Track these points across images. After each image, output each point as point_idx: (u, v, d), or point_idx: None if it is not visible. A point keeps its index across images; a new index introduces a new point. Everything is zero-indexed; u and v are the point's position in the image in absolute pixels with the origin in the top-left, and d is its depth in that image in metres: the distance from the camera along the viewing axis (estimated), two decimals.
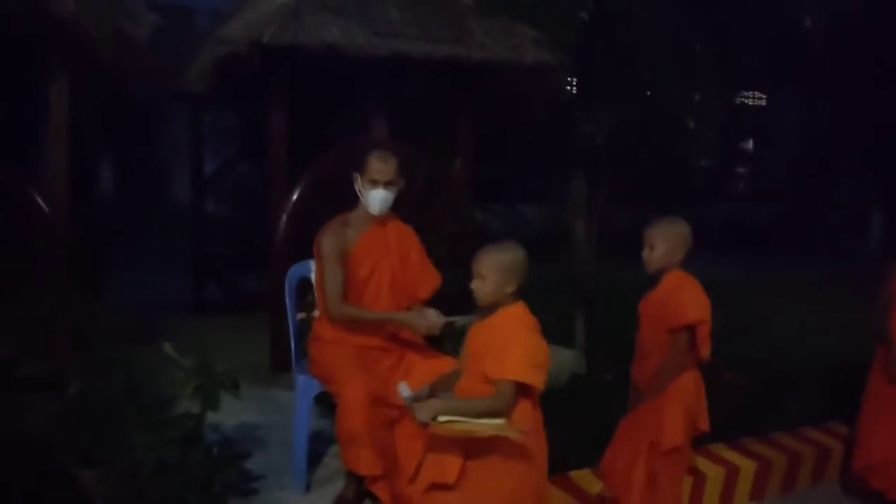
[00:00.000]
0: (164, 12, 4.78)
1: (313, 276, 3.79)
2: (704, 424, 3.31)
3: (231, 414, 3.84)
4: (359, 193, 3.54)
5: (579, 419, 4.13)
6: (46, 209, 4.51)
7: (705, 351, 3.19)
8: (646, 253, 3.26)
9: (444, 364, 3.42)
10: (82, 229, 5.02)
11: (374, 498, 3.36)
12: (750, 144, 15.37)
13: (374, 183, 3.46)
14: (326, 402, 3.81)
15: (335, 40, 4.67)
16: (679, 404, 3.17)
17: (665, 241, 3.21)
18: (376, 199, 3.48)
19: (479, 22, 5.23)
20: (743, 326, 6.09)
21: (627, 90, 5.49)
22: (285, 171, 5.19)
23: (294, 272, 3.93)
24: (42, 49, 4.23)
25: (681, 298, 3.16)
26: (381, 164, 3.45)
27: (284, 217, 5.03)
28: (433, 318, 3.37)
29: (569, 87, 5.58)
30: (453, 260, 5.36)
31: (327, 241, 3.47)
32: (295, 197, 5.03)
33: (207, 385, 3.20)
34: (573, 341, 5.50)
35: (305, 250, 4.09)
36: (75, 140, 4.73)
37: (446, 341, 3.97)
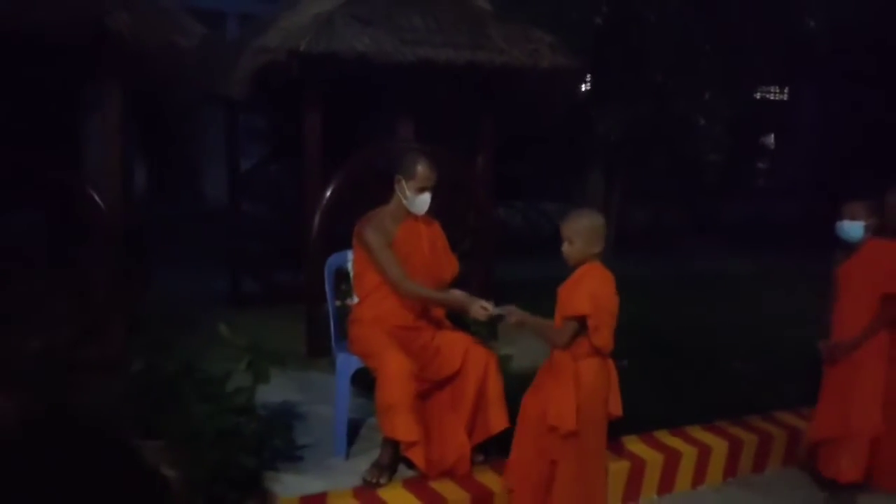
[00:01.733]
0: (198, 16, 5.13)
1: (350, 266, 4.17)
2: (616, 409, 3.43)
3: (274, 393, 4.22)
4: (401, 194, 3.88)
5: None
6: (102, 205, 4.90)
7: (598, 339, 3.25)
8: (564, 248, 3.34)
9: (468, 341, 3.81)
10: (133, 225, 5.40)
11: (407, 464, 3.73)
12: (769, 141, 15.52)
13: (422, 189, 3.82)
14: (360, 383, 4.16)
15: (365, 48, 5.01)
16: (573, 389, 3.25)
17: (579, 235, 3.29)
18: (424, 202, 3.86)
19: (498, 28, 5.55)
20: (759, 318, 6.32)
21: (640, 91, 5.80)
22: (319, 171, 5.54)
23: (333, 261, 4.29)
24: (98, 59, 4.61)
25: (578, 290, 3.26)
26: (429, 172, 3.82)
27: (319, 213, 5.40)
28: (485, 305, 3.64)
29: (584, 89, 5.87)
30: (476, 252, 5.72)
31: (374, 233, 3.83)
32: (328, 194, 5.39)
33: (259, 361, 3.57)
34: None
35: (338, 244, 4.46)
36: (127, 143, 5.11)
37: (472, 325, 4.30)
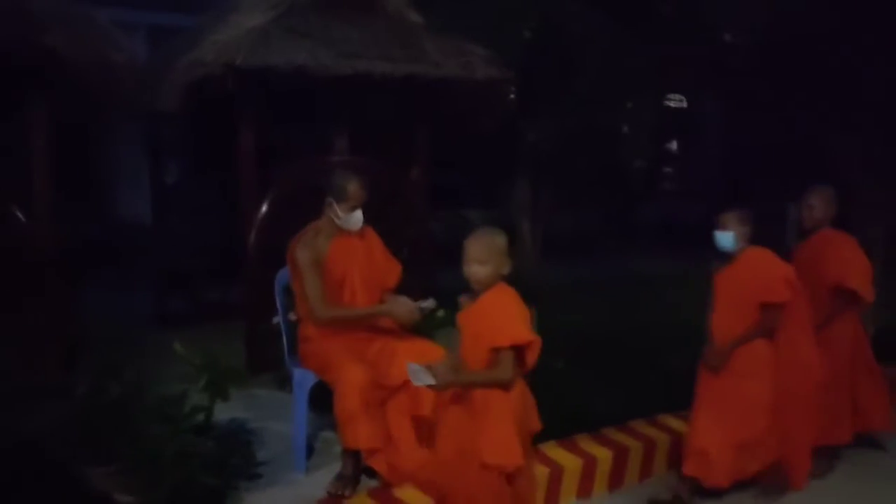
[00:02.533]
0: (126, 28, 5.03)
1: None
2: (536, 424, 3.37)
3: (220, 412, 4.16)
4: (333, 213, 3.89)
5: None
6: (30, 225, 4.73)
7: (531, 361, 3.18)
8: (474, 270, 3.15)
9: (423, 346, 3.88)
10: (63, 245, 5.23)
11: (369, 474, 3.75)
12: (679, 147, 16.20)
13: (354, 208, 3.85)
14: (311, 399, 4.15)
15: (303, 62, 5.03)
16: (511, 424, 3.13)
17: (494, 256, 3.14)
18: (358, 220, 3.89)
19: (433, 42, 5.65)
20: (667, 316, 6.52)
21: (568, 101, 6.01)
22: (254, 186, 5.50)
23: (283, 276, 4.27)
24: (32, 75, 4.46)
25: (508, 317, 3.13)
26: (360, 191, 3.85)
27: (255, 229, 5.35)
28: (409, 304, 3.79)
29: (515, 100, 6.03)
30: (413, 262, 5.78)
31: (302, 252, 3.83)
32: (264, 210, 5.35)
33: (217, 378, 3.53)
34: None
35: (275, 259, 4.42)
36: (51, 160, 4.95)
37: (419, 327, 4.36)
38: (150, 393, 3.76)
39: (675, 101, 15.65)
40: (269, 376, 5.06)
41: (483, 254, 3.12)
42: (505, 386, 3.12)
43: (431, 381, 3.13)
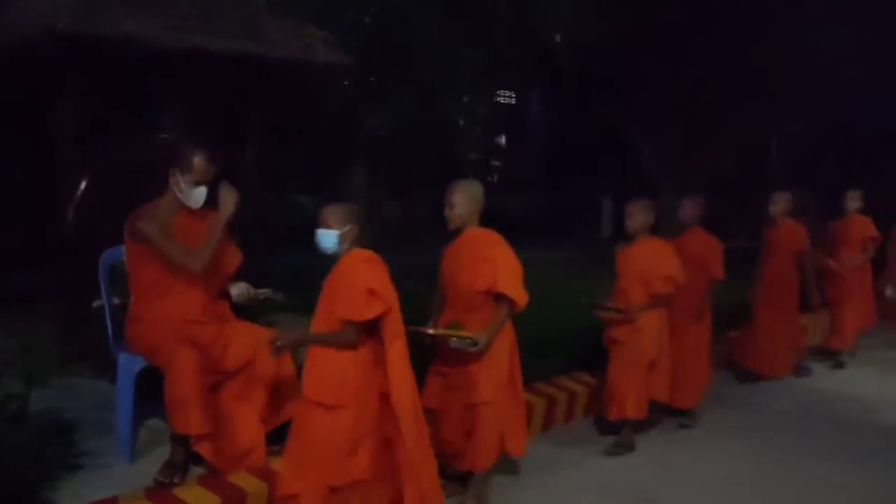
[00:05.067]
0: None
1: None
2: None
3: (37, 402, 3.90)
4: (176, 187, 3.75)
5: None
6: None
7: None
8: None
9: (257, 332, 3.83)
10: None
11: (197, 461, 3.66)
12: (505, 141, 16.83)
13: (199, 182, 3.74)
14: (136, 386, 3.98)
15: (132, 31, 4.74)
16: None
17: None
18: (201, 195, 3.77)
19: (272, 21, 5.52)
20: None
21: (406, 90, 6.10)
22: (72, 162, 5.14)
23: (108, 257, 4.05)
24: None
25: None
26: (206, 165, 3.74)
27: (72, 208, 5.03)
28: (240, 284, 3.89)
29: (354, 86, 6.03)
30: (249, 245, 5.65)
31: (149, 223, 3.65)
32: (83, 188, 5.03)
33: (34, 365, 3.30)
34: None
35: (96, 240, 4.17)
36: None
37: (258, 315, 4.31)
38: None
39: (505, 98, 16.27)
40: (89, 364, 4.78)
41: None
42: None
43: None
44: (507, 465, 4.27)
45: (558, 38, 6.59)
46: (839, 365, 7.23)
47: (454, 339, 3.75)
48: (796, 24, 8.33)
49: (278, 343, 3.26)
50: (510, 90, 15.90)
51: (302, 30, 5.58)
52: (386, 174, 7.46)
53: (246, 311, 4.19)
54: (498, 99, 14.99)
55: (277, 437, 3.81)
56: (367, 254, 3.43)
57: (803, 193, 7.34)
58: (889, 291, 7.81)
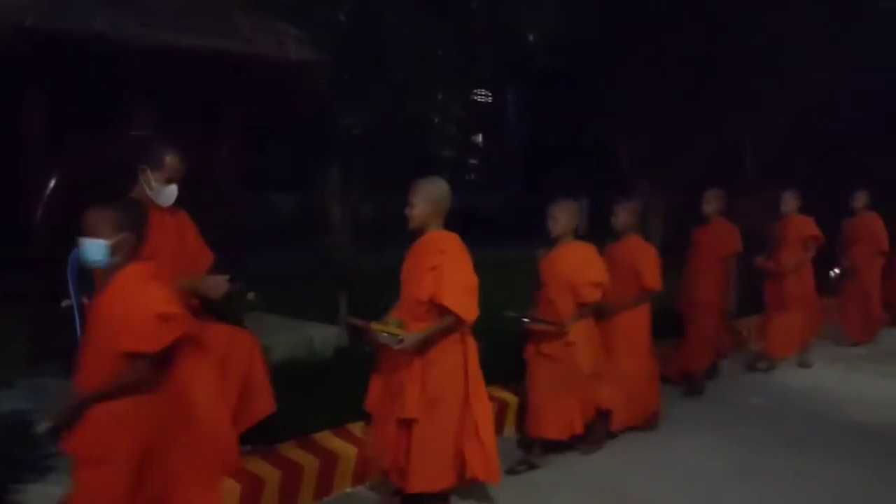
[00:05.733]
0: None
1: None
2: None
3: (3, 403, 3.86)
4: (146, 185, 3.74)
5: (344, 385, 4.69)
6: None
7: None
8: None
9: (231, 330, 3.82)
10: None
11: None
12: (482, 139, 16.85)
13: (170, 181, 3.72)
14: None
15: (102, 28, 4.69)
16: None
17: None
18: (171, 194, 3.76)
19: (245, 18, 5.49)
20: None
21: (380, 88, 6.07)
22: (41, 160, 5.08)
23: (76, 255, 3.99)
24: None
25: None
26: (178, 163, 3.74)
27: (41, 206, 4.97)
28: (220, 281, 3.78)
29: (329, 84, 5.97)
30: (223, 244, 5.61)
31: None
32: (52, 185, 4.98)
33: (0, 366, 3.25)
34: (336, 318, 5.99)
35: (65, 239, 4.10)
36: None
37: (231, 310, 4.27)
38: None
39: (482, 97, 16.28)
40: (57, 365, 4.72)
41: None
42: None
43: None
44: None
45: (531, 37, 6.57)
46: (806, 364, 7.22)
47: (384, 334, 3.65)
48: (773, 25, 8.42)
49: (48, 424, 2.82)
50: (487, 89, 15.92)
51: (275, 27, 5.55)
52: (361, 172, 7.42)
53: (230, 313, 4.17)
54: (475, 98, 15.00)
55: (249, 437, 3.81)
56: (149, 266, 2.96)
57: (778, 193, 7.33)
58: (833, 274, 7.79)
